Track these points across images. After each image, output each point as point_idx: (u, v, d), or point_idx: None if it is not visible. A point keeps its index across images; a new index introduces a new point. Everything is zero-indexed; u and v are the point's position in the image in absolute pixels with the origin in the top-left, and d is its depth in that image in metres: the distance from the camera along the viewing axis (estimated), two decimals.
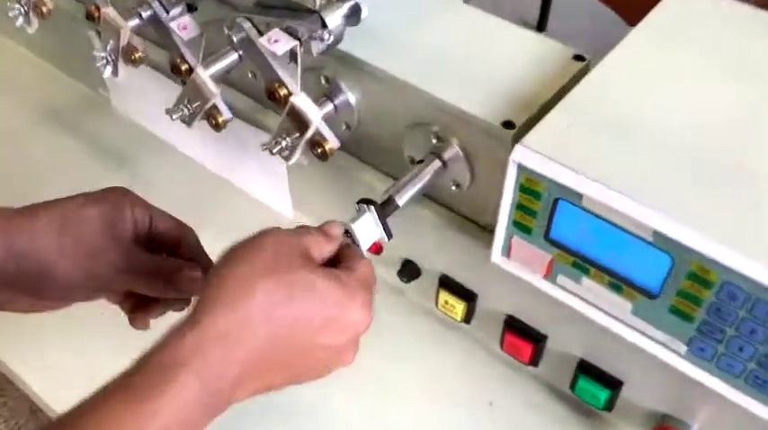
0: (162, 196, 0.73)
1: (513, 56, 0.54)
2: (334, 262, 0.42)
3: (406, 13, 0.57)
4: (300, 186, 0.68)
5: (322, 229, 0.43)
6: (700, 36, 0.52)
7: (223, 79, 0.53)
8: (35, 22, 0.61)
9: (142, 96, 0.76)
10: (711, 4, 0.55)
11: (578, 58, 0.54)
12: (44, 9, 0.59)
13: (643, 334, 0.47)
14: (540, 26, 0.89)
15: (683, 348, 0.45)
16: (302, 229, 0.42)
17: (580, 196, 0.43)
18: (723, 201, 0.41)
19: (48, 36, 0.76)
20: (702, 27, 0.53)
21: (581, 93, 0.48)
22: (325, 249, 0.41)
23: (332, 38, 0.43)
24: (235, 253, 0.38)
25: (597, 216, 0.43)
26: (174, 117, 0.51)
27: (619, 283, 0.46)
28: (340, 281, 0.38)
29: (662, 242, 0.41)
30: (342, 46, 0.53)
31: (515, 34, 0.56)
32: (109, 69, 0.55)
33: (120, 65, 0.54)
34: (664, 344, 0.46)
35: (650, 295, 0.44)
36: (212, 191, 0.75)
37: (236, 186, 0.75)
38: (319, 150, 0.47)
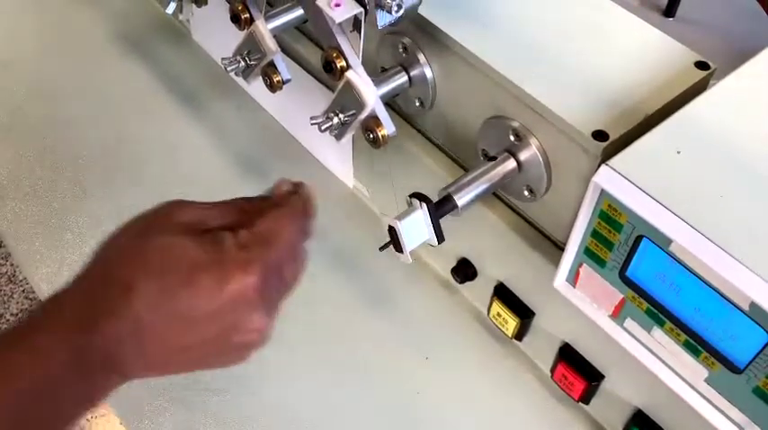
0: (228, 143, 0.71)
1: (623, 53, 0.45)
2: None
3: None
4: (364, 157, 0.63)
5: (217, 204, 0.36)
6: None
7: (303, 30, 0.47)
8: None
9: (220, 31, 0.72)
10: None
11: (701, 65, 0.45)
12: None
13: (716, 408, 0.39)
14: (669, 11, 0.78)
15: None
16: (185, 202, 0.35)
17: (669, 241, 0.36)
18: None
19: None
20: None
21: (697, 111, 0.40)
22: (214, 220, 0.34)
23: (403, 9, 0.37)
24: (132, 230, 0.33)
25: (686, 267, 0.36)
26: (229, 69, 0.46)
27: (697, 346, 0.38)
28: (202, 238, 0.32)
29: (760, 315, 0.34)
30: (426, 12, 0.46)
31: (632, 27, 0.47)
32: (173, 6, 0.50)
33: (185, 4, 0.50)
34: (738, 426, 0.39)
35: (734, 369, 0.37)
36: (278, 147, 0.71)
37: (302, 145, 0.70)
38: (371, 136, 0.42)
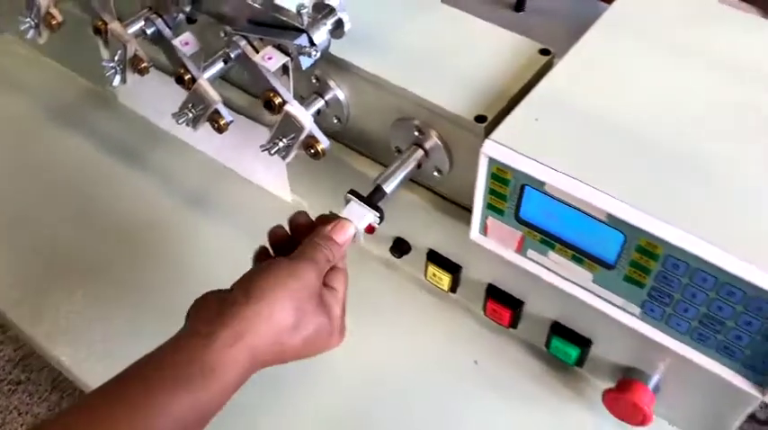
0: (170, 186, 0.80)
1: (484, 53, 0.59)
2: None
3: (386, 16, 0.62)
4: (298, 173, 0.74)
5: (332, 239, 0.51)
6: (657, 29, 0.58)
7: (223, 78, 0.58)
8: (45, 34, 0.66)
9: (147, 92, 0.82)
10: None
11: (543, 52, 0.59)
12: (53, 22, 0.64)
13: (603, 299, 0.53)
14: (519, 6, 0.94)
15: (638, 310, 0.52)
16: (320, 266, 0.49)
17: (543, 183, 0.49)
18: (666, 186, 0.47)
19: (54, 36, 0.81)
20: (660, 20, 0.59)
21: (545, 88, 0.54)
22: (328, 267, 0.50)
23: (318, 52, 0.49)
24: (282, 276, 0.46)
25: (559, 200, 0.50)
26: (179, 121, 0.57)
27: (580, 257, 0.52)
28: (331, 321, 0.48)
29: (615, 222, 0.48)
30: (330, 49, 0.58)
31: (487, 31, 0.61)
32: (117, 78, 0.60)
33: (128, 74, 0.59)
34: (621, 308, 0.53)
35: (607, 266, 0.51)
36: (217, 179, 0.81)
37: (239, 174, 0.81)
38: (312, 151, 0.53)
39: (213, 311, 0.44)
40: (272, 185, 0.78)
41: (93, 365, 0.66)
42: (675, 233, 0.45)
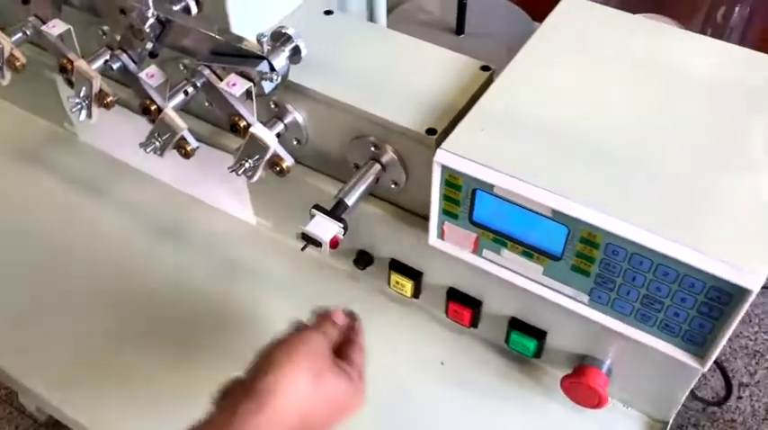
0: (134, 216, 0.82)
1: (430, 72, 0.64)
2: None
3: (338, 42, 0.66)
4: (260, 196, 0.77)
5: (329, 318, 0.57)
6: (585, 42, 0.63)
7: (184, 109, 0.61)
8: (8, 75, 0.68)
9: (108, 127, 0.84)
10: (597, 12, 0.66)
11: (484, 68, 0.64)
12: (17, 63, 0.66)
13: (554, 290, 0.58)
14: (459, 29, 1.00)
15: (586, 298, 0.56)
16: (326, 329, 0.55)
17: (492, 186, 0.54)
18: (601, 181, 0.52)
19: (13, 79, 0.83)
20: (588, 34, 0.64)
21: (488, 100, 0.59)
22: (335, 337, 0.56)
23: (279, 77, 0.53)
24: (288, 347, 0.51)
25: (507, 200, 0.54)
26: (147, 150, 0.60)
27: (530, 252, 0.57)
28: (351, 382, 0.52)
29: (558, 217, 0.52)
30: None
31: (432, 52, 0.66)
32: (83, 113, 0.63)
33: (94, 109, 0.62)
34: (571, 297, 0.57)
35: (555, 258, 0.55)
36: (181, 207, 0.83)
37: (203, 201, 0.83)
38: (277, 169, 0.57)
39: (237, 391, 0.48)
40: (236, 210, 0.81)
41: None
42: (612, 222, 0.50)
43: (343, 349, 0.55)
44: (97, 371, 0.70)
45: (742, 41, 0.82)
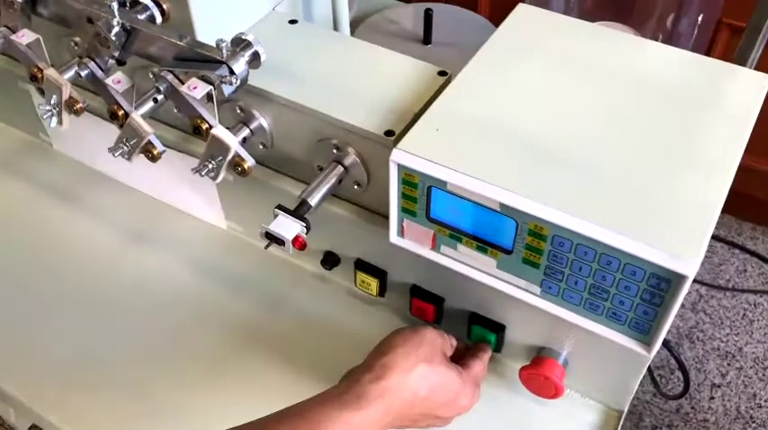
0: (108, 223, 0.84)
1: (390, 77, 0.66)
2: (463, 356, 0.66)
3: (302, 50, 0.69)
4: (230, 200, 0.80)
5: (451, 336, 0.65)
6: (538, 47, 0.66)
7: (153, 116, 0.64)
8: None
9: (82, 137, 0.86)
10: (549, 19, 0.69)
11: (441, 73, 0.67)
12: None
13: (508, 283, 0.60)
14: (426, 39, 1.03)
15: (538, 289, 0.59)
16: (444, 334, 0.63)
17: (445, 183, 0.56)
18: (548, 177, 0.55)
19: None
20: (541, 39, 0.67)
21: (442, 102, 0.62)
22: (450, 351, 0.64)
23: (238, 81, 0.55)
24: (403, 334, 0.59)
25: (460, 197, 0.57)
26: (116, 154, 0.62)
27: (484, 246, 0.59)
28: (461, 376, 0.60)
29: (507, 211, 0.55)
30: (251, 81, 0.65)
31: (391, 58, 0.69)
32: (54, 120, 0.65)
33: (64, 116, 0.64)
34: (524, 289, 0.60)
35: (507, 251, 0.58)
36: (153, 213, 0.85)
37: (175, 207, 0.85)
38: (239, 169, 0.59)
39: (359, 369, 0.57)
40: (207, 215, 0.83)
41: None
42: (557, 214, 0.53)
43: (465, 360, 0.64)
44: (73, 375, 0.71)
45: (692, 45, 0.85)
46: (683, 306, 1.57)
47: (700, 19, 0.84)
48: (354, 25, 1.01)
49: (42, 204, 0.87)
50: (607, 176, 0.55)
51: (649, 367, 1.14)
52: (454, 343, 0.65)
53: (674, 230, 0.51)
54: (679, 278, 0.50)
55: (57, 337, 0.74)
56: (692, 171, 0.55)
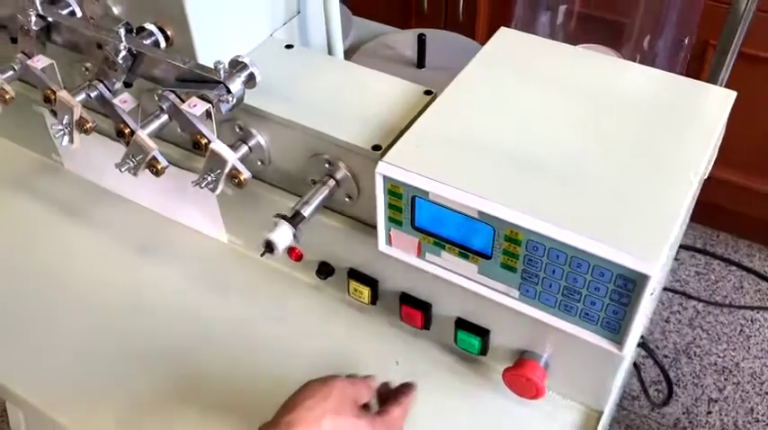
0: (116, 238, 0.89)
1: (379, 96, 0.71)
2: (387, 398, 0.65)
3: (299, 72, 0.74)
4: (230, 215, 0.84)
5: (367, 381, 0.64)
6: (518, 66, 0.71)
7: (158, 135, 0.68)
8: None
9: (90, 157, 0.91)
10: (530, 42, 0.74)
11: (427, 92, 0.71)
12: (6, 96, 0.73)
13: (489, 288, 0.64)
14: (420, 64, 1.08)
15: (517, 293, 0.62)
16: (356, 381, 0.62)
17: (427, 193, 0.61)
18: (522, 186, 0.59)
19: (3, 114, 0.91)
20: (521, 60, 0.72)
21: (426, 119, 0.66)
22: (366, 398, 0.63)
23: (235, 99, 0.60)
24: (311, 387, 0.59)
25: (441, 205, 0.61)
26: (122, 170, 0.66)
27: (465, 252, 0.63)
28: (372, 424, 0.59)
29: (484, 217, 0.59)
30: (249, 101, 0.69)
31: (382, 80, 0.73)
32: (66, 139, 0.70)
33: (75, 135, 0.69)
34: (504, 293, 0.63)
35: (486, 257, 0.62)
36: (158, 228, 0.90)
37: (179, 222, 0.90)
38: (236, 181, 0.63)
39: (266, 427, 0.56)
40: (210, 229, 0.87)
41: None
42: (529, 220, 0.57)
43: (386, 405, 0.63)
44: (79, 378, 0.75)
45: (667, 65, 0.89)
46: (679, 322, 1.60)
47: (670, 40, 0.88)
48: (352, 51, 1.06)
49: (54, 219, 0.91)
50: (578, 185, 0.59)
51: (640, 377, 1.17)
52: (374, 384, 0.65)
53: (638, 234, 0.55)
54: (643, 278, 0.54)
55: (64, 343, 0.78)
56: (657, 180, 0.59)
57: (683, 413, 1.45)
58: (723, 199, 1.63)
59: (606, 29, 0.93)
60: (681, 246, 1.85)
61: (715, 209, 1.68)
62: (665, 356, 1.54)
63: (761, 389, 1.48)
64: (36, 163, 0.99)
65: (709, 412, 1.45)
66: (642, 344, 0.80)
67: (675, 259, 1.72)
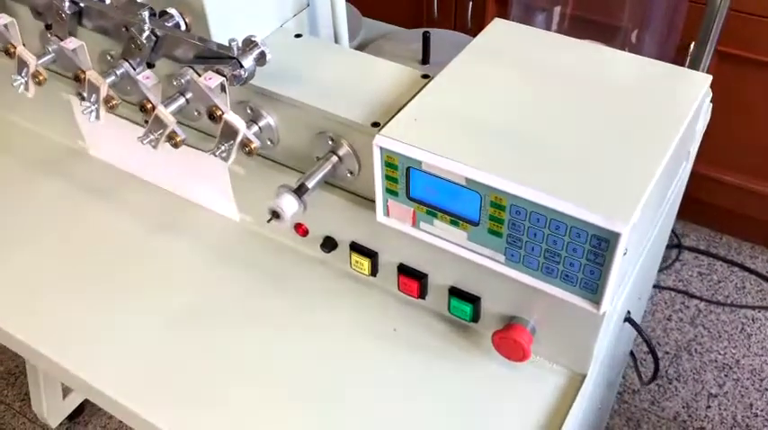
0: (137, 217, 0.95)
1: (380, 80, 0.77)
2: None
3: (305, 58, 0.80)
4: (242, 194, 0.90)
5: None
6: (509, 54, 0.76)
7: (177, 122, 0.75)
8: (32, 89, 0.82)
9: (114, 141, 0.98)
10: (521, 31, 0.80)
11: (424, 76, 0.77)
12: (40, 78, 0.80)
13: (478, 254, 0.69)
14: (425, 60, 1.13)
15: (503, 257, 0.68)
16: None
17: (420, 163, 0.66)
18: (506, 155, 0.64)
19: (33, 103, 0.98)
20: (512, 47, 0.77)
21: (421, 98, 0.72)
22: None
23: (247, 74, 0.66)
24: None
25: (433, 175, 0.66)
26: (144, 142, 0.73)
27: (455, 220, 0.68)
28: None
29: (471, 184, 0.64)
30: (259, 83, 0.75)
31: (383, 65, 0.79)
32: (93, 115, 0.76)
33: (102, 111, 0.76)
34: (491, 258, 0.68)
35: (474, 224, 0.67)
36: (176, 207, 0.96)
37: (194, 202, 0.96)
38: (247, 149, 0.69)
39: None
40: (223, 208, 0.93)
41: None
42: (511, 185, 0.62)
43: None
44: (106, 343, 0.81)
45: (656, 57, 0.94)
46: (681, 320, 1.63)
47: (655, 34, 0.94)
48: (360, 49, 1.12)
49: (80, 200, 0.98)
50: (558, 155, 0.64)
51: (635, 363, 1.21)
52: None
53: (612, 197, 0.60)
54: (615, 236, 0.59)
55: (92, 312, 0.84)
56: (632, 149, 0.64)
57: (683, 407, 1.48)
58: (726, 201, 1.66)
59: (598, 30, 0.99)
60: (684, 248, 1.89)
61: (718, 211, 1.72)
62: (666, 352, 1.57)
63: (760, 386, 1.51)
64: (63, 148, 1.06)
65: (709, 406, 1.48)
66: (628, 319, 0.84)
67: (678, 260, 1.76)
